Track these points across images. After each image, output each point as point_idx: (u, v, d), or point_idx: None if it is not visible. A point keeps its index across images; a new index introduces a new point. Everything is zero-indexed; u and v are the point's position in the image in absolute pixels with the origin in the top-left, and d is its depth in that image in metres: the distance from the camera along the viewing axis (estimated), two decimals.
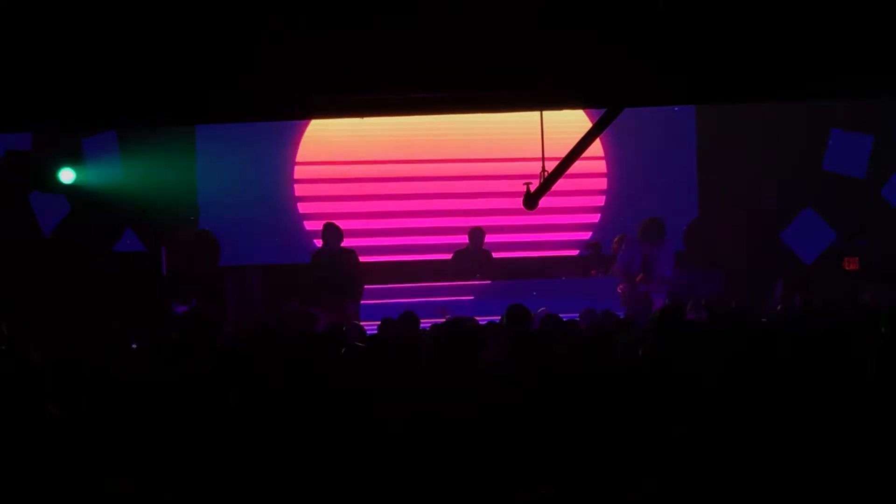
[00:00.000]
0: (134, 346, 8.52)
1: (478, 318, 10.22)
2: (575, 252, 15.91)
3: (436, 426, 6.10)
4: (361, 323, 11.87)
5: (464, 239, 14.84)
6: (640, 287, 13.45)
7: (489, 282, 14.05)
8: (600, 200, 16.17)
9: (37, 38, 8.09)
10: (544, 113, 10.93)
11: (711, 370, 6.86)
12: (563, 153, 10.02)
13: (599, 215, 16.13)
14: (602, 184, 16.15)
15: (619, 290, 13.56)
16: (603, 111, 9.77)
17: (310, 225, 15.61)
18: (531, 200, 10.51)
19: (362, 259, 14.33)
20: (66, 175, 14.71)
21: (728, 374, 6.71)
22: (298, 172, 15.71)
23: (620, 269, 13.87)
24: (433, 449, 5.94)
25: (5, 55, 8.10)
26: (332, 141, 15.69)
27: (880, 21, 7.85)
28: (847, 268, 14.38)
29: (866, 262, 14.30)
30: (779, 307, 11.77)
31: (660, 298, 13.05)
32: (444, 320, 11.56)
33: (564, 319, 9.79)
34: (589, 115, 14.55)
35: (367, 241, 15.49)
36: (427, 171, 15.87)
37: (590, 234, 16.04)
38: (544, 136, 10.79)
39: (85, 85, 8.27)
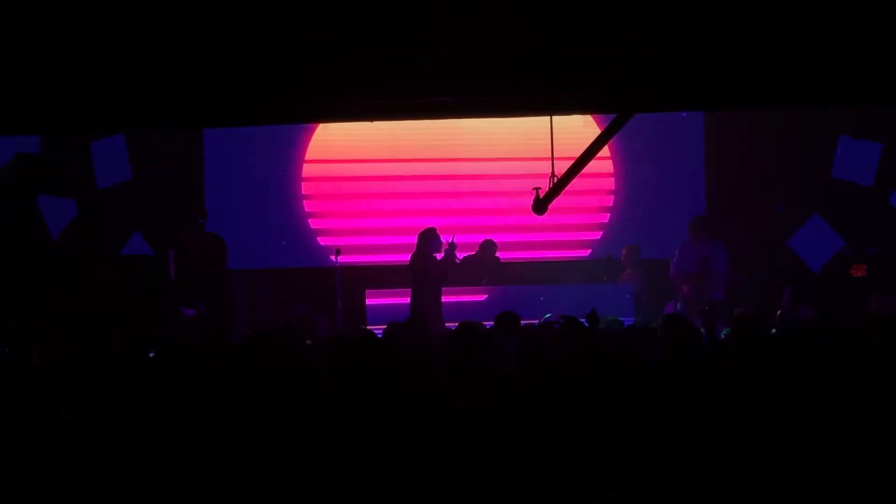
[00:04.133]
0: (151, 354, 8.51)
1: (485, 323, 10.24)
2: (585, 252, 15.93)
3: (449, 428, 6.12)
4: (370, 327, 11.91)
5: (472, 238, 14.87)
6: (704, 288, 13.51)
7: (496, 287, 14.07)
8: (609, 201, 16.17)
9: (45, 40, 8.08)
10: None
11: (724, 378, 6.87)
12: (573, 152, 9.98)
13: (608, 215, 16.14)
14: (610, 184, 16.16)
15: (683, 294, 13.60)
16: (612, 116, 9.75)
17: (315, 223, 15.63)
18: (540, 206, 10.49)
19: (367, 257, 14.44)
20: None
21: (738, 383, 6.71)
22: (307, 171, 15.72)
23: (676, 272, 13.91)
24: (445, 450, 5.95)
25: (13, 58, 8.09)
26: (341, 139, 15.68)
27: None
28: (855, 275, 14.36)
29: (874, 270, 14.28)
30: (778, 313, 11.77)
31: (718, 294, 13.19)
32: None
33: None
34: (597, 117, 14.56)
35: (373, 239, 15.52)
36: (436, 169, 15.87)
37: (599, 234, 16.06)
38: (554, 136, 10.77)
39: (94, 88, 8.26)
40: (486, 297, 13.82)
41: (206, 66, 8.15)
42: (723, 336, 9.30)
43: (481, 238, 14.92)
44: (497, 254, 14.79)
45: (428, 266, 13.62)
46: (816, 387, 6.60)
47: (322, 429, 6.14)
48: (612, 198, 16.16)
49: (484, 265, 14.55)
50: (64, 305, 12.33)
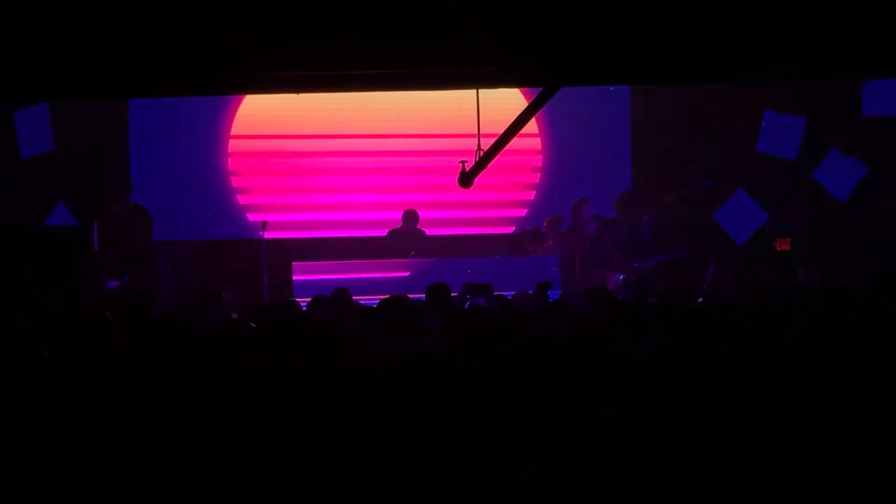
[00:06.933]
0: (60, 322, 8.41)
1: (412, 296, 10.24)
2: (510, 229, 15.95)
3: (371, 406, 6.10)
4: (297, 299, 11.85)
5: (399, 214, 14.89)
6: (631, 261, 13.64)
7: (423, 260, 14.08)
8: (535, 178, 16.21)
9: None
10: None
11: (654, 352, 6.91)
12: (499, 129, 9.98)
13: (535, 192, 16.17)
14: (537, 161, 16.19)
15: (613, 267, 13.71)
16: (539, 90, 9.74)
17: (243, 199, 15.57)
18: (466, 179, 10.50)
19: (295, 234, 14.39)
20: None
21: (664, 356, 6.76)
22: (233, 146, 15.63)
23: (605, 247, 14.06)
24: (369, 428, 5.93)
25: None
26: (267, 115, 15.59)
27: (815, 8, 7.88)
28: (779, 248, 14.51)
29: (797, 243, 14.44)
30: (704, 287, 11.89)
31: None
32: None
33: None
34: (524, 92, 14.56)
35: (301, 216, 15.48)
36: (363, 145, 15.82)
37: (525, 211, 16.08)
38: (480, 113, 10.76)
39: (17, 57, 8.14)
40: (410, 271, 13.82)
41: (125, 33, 8.04)
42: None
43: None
44: (419, 225, 14.83)
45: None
46: (743, 360, 6.66)
47: (239, 403, 6.10)
48: (538, 175, 16.20)
49: (409, 236, 14.58)
50: None
